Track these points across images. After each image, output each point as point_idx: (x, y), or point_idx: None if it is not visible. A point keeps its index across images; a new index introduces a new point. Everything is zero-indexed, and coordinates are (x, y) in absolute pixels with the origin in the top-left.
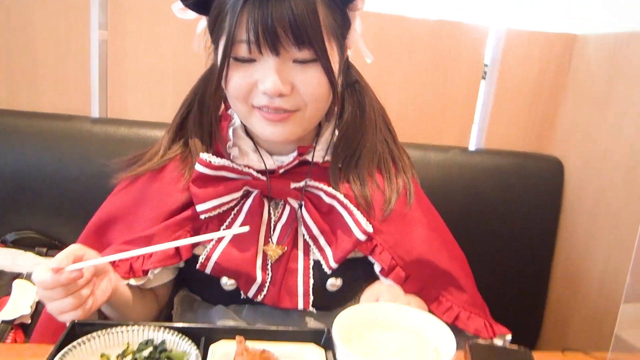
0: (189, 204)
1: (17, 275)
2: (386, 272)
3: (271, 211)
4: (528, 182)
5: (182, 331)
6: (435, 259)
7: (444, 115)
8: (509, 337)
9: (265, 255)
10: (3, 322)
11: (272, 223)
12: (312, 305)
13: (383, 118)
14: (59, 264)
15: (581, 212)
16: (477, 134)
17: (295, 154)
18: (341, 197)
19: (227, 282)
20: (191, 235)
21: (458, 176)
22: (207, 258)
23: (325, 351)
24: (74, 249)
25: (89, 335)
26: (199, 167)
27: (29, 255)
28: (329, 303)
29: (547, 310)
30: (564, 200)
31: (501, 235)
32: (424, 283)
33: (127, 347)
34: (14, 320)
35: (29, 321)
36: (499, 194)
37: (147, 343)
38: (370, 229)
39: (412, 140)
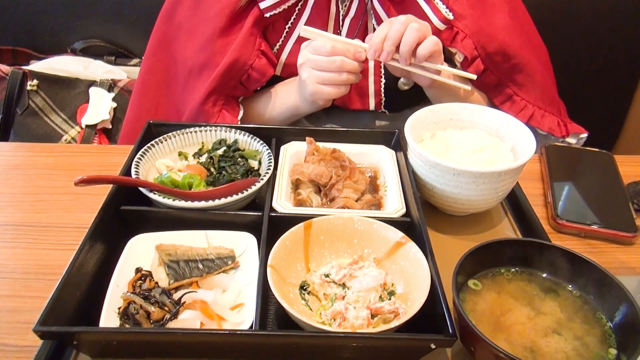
0: (250, 2)
1: (92, 83)
2: (467, 63)
3: (339, 4)
4: None
5: (254, 132)
6: (516, 51)
7: None
8: (584, 135)
9: None
10: (87, 126)
11: (340, 18)
12: (384, 107)
13: None
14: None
15: None
16: None
17: None
18: None
19: None
20: (262, 40)
21: None
22: (276, 59)
23: (396, 153)
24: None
25: (165, 135)
26: None
27: (100, 63)
28: (400, 104)
29: (630, 114)
30: None
31: (593, 29)
32: (501, 77)
33: (202, 146)
34: (97, 125)
35: (110, 126)
36: None
37: (221, 143)
38: (450, 16)
39: None
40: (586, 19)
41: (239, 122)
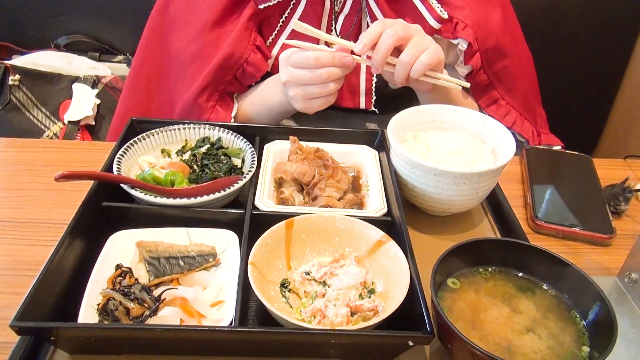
0: None
1: (75, 79)
2: (470, 53)
3: (334, 0)
4: None
5: (237, 130)
6: (509, 51)
7: None
8: (557, 148)
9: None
10: (70, 122)
11: (335, 14)
12: (374, 106)
13: None
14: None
15: None
16: None
17: None
18: None
19: None
20: (257, 35)
21: None
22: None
23: (379, 153)
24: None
25: (148, 132)
26: None
27: (84, 59)
28: (391, 103)
29: (610, 118)
30: None
31: (575, 33)
32: (491, 78)
33: (186, 143)
34: (79, 121)
35: (94, 123)
36: None
37: (204, 140)
38: (445, 15)
39: None
40: (569, 23)
41: (233, 119)
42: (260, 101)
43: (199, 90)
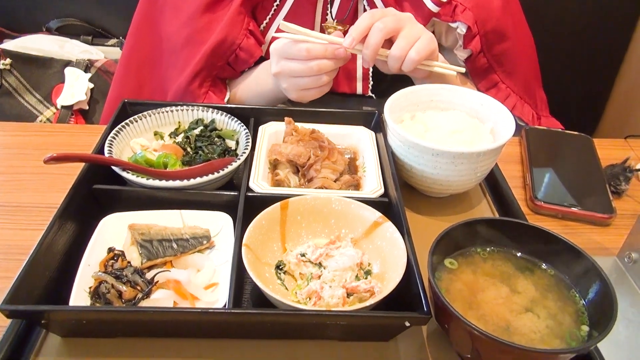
0: None
1: (68, 63)
2: (469, 37)
3: None
4: None
5: (231, 112)
6: (509, 34)
7: None
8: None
9: (323, 33)
10: (63, 107)
11: None
12: (371, 91)
13: None
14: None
15: None
16: None
17: None
18: None
19: None
20: (251, 19)
21: None
22: (262, 37)
23: (375, 134)
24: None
25: (140, 114)
26: None
27: (76, 42)
28: (388, 88)
29: (611, 98)
30: None
31: (576, 13)
32: (491, 61)
33: (179, 125)
34: (73, 105)
35: (87, 107)
36: None
37: (198, 122)
38: None
39: None
40: (569, 4)
41: (226, 104)
42: (253, 87)
43: (191, 76)
